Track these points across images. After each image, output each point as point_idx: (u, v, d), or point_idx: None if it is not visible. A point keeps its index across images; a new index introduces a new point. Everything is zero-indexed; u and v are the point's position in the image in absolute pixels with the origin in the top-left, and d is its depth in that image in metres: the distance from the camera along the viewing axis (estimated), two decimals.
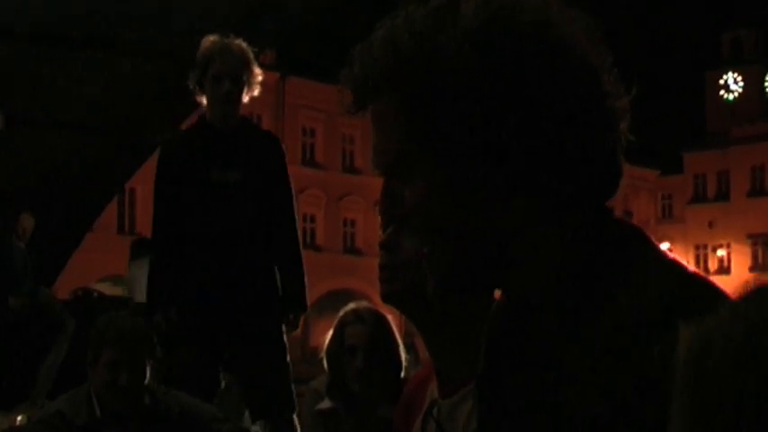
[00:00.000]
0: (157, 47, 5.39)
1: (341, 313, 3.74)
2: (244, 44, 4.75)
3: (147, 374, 3.62)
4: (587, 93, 1.18)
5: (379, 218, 2.01)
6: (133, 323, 3.72)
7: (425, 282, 1.85)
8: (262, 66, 4.87)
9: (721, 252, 51.85)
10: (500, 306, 1.36)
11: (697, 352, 0.86)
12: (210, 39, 4.75)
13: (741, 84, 57.40)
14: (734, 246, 51.48)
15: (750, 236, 50.78)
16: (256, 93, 4.79)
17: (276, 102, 39.07)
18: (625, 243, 1.19)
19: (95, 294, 9.34)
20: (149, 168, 5.22)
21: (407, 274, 1.85)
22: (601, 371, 1.09)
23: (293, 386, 4.80)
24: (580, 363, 1.12)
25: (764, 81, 57.69)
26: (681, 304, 1.06)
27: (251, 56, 4.74)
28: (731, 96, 57.44)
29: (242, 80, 4.70)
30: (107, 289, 10.47)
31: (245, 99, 4.77)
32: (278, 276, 4.80)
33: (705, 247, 52.31)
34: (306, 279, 4.90)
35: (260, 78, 4.77)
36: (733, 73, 57.35)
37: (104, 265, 29.57)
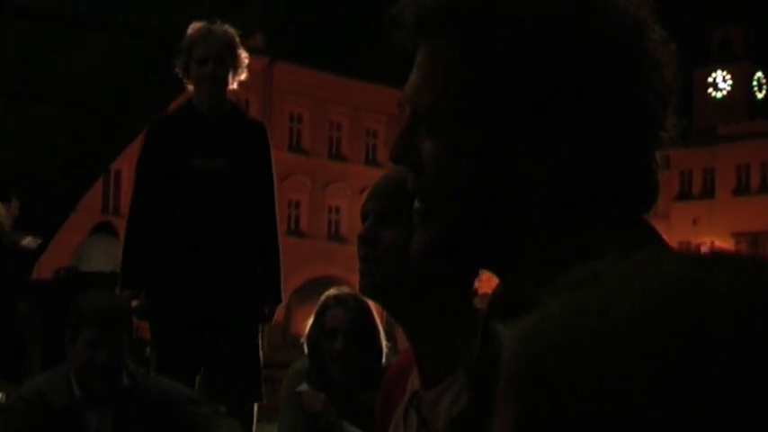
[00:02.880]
0: (145, 25, 5.37)
1: (322, 298, 3.75)
2: (229, 28, 4.72)
3: (127, 355, 3.62)
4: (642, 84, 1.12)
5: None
6: (113, 301, 3.71)
7: (404, 271, 1.85)
8: (250, 50, 4.85)
9: (705, 250, 52.04)
10: (498, 294, 1.28)
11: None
12: (194, 24, 4.73)
13: (729, 82, 57.52)
14: (718, 243, 51.65)
15: (734, 234, 50.99)
16: (243, 77, 4.76)
17: (264, 87, 39.01)
18: (639, 246, 1.13)
19: (77, 272, 9.29)
20: (135, 150, 5.20)
21: (387, 265, 1.84)
22: None
23: (262, 376, 4.80)
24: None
25: (753, 80, 57.84)
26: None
27: (236, 39, 4.71)
28: (719, 95, 57.57)
29: (227, 62, 4.67)
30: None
31: (233, 84, 4.74)
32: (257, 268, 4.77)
33: (689, 244, 52.46)
34: (282, 272, 4.87)
35: (246, 62, 4.74)
36: (722, 71, 57.47)
37: None
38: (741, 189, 51.54)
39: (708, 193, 52.77)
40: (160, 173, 4.64)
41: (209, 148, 4.66)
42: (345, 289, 3.88)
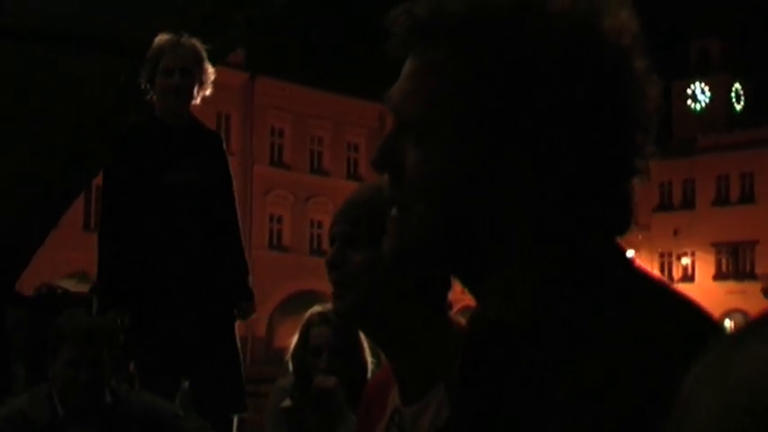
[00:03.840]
0: (130, 42, 5.38)
1: (306, 315, 3.74)
2: (196, 42, 4.71)
3: (108, 372, 3.61)
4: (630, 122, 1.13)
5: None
6: (92, 320, 3.71)
7: (375, 290, 1.85)
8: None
9: (686, 260, 52.23)
10: (478, 316, 1.26)
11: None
12: (162, 36, 4.71)
13: (708, 94, 57.85)
14: (698, 254, 51.87)
15: (714, 244, 51.20)
16: (208, 92, 4.74)
17: (245, 101, 39.03)
18: (615, 268, 1.14)
19: (59, 291, 9.28)
20: None
21: (358, 287, 1.84)
22: (591, 401, 1.01)
23: (244, 388, 4.78)
24: (567, 391, 1.04)
25: (731, 91, 58.17)
26: (691, 335, 1.00)
27: (203, 53, 4.70)
28: (698, 106, 57.89)
29: (193, 75, 4.66)
30: (72, 286, 10.42)
31: (198, 99, 4.73)
32: (226, 275, 4.78)
33: (670, 254, 52.66)
34: (250, 271, 4.92)
35: (212, 77, 4.73)
36: (700, 83, 57.79)
37: (70, 262, 29.34)
38: (721, 199, 51.78)
39: (688, 203, 52.98)
40: (132, 187, 4.59)
41: (178, 161, 4.65)
42: (329, 305, 3.88)
